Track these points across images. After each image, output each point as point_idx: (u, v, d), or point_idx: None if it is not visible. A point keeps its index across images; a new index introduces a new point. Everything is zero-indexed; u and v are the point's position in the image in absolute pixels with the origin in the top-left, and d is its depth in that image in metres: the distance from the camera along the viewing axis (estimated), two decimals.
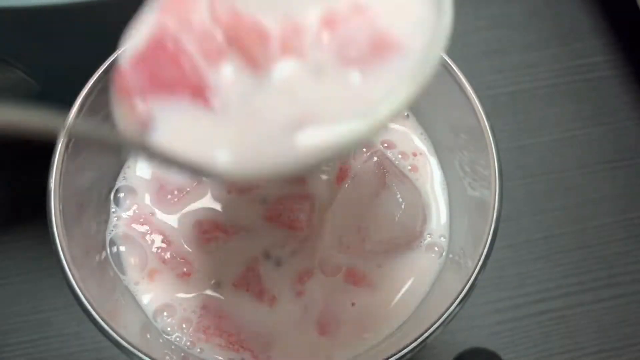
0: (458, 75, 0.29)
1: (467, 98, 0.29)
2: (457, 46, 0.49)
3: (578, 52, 0.51)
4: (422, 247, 0.30)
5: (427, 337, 0.25)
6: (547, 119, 0.48)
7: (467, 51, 0.50)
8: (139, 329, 0.28)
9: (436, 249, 0.30)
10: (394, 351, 0.25)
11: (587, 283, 0.43)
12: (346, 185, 0.30)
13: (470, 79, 0.29)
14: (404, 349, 0.25)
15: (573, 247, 0.44)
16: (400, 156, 0.32)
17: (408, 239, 0.30)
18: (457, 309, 0.25)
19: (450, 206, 0.31)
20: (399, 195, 0.29)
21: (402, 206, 0.29)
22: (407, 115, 0.32)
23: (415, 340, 0.25)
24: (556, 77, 0.50)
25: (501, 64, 0.50)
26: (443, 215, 0.31)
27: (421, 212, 0.30)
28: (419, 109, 0.32)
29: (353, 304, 0.29)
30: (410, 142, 0.32)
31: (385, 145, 0.32)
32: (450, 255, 0.29)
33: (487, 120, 0.28)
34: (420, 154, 0.32)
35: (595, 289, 0.43)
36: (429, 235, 0.30)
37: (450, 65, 0.29)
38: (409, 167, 0.31)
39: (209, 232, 0.29)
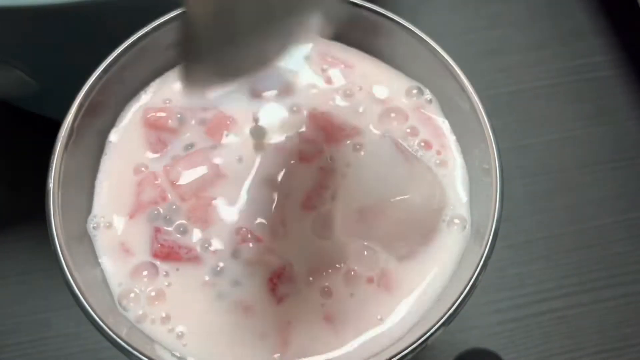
0: (459, 75, 0.29)
1: (468, 97, 0.29)
2: (458, 45, 0.50)
3: (578, 52, 0.51)
4: (444, 226, 0.29)
5: (428, 338, 0.25)
6: (547, 119, 0.48)
7: (468, 51, 0.50)
8: (138, 329, 0.28)
9: (457, 220, 0.29)
10: (395, 351, 0.25)
11: (587, 283, 0.43)
12: (351, 171, 0.30)
13: (471, 79, 0.29)
14: (404, 349, 0.25)
15: (573, 247, 0.44)
16: (408, 130, 0.31)
17: (426, 221, 0.29)
18: (459, 309, 0.25)
19: (470, 189, 0.30)
20: (411, 174, 0.29)
21: (416, 185, 0.29)
22: (430, 100, 0.32)
23: (416, 341, 0.25)
24: (556, 77, 0.50)
25: (502, 63, 0.50)
26: (463, 196, 0.30)
27: (438, 191, 0.29)
28: (442, 94, 0.32)
29: (366, 301, 0.28)
30: (428, 121, 0.32)
31: (393, 115, 0.32)
32: (476, 225, 0.29)
33: (488, 120, 0.28)
34: (439, 135, 0.31)
35: (595, 289, 0.43)
36: (451, 208, 0.29)
37: (450, 65, 0.29)
38: (423, 144, 0.31)
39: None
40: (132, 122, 0.31)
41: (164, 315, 0.27)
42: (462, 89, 0.29)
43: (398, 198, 0.28)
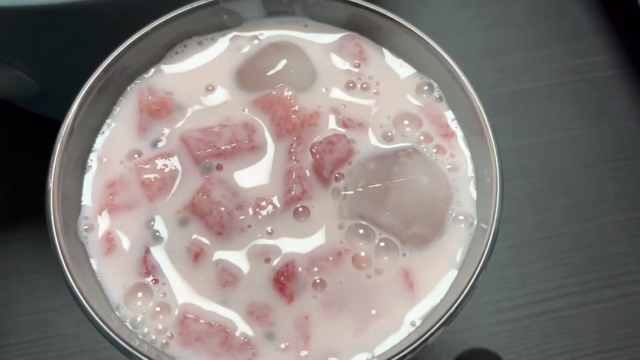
0: (459, 75, 0.29)
1: (468, 97, 0.29)
2: (458, 45, 0.50)
3: (578, 52, 0.51)
4: (451, 222, 0.29)
5: (428, 338, 0.25)
6: (547, 119, 0.48)
7: (468, 50, 0.50)
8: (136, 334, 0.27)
9: (466, 218, 0.29)
10: (395, 352, 0.25)
11: (587, 283, 0.43)
12: (355, 169, 0.29)
13: (471, 79, 0.29)
14: (404, 349, 0.25)
15: (574, 247, 0.44)
16: (422, 138, 0.31)
17: (432, 207, 0.29)
18: (459, 309, 0.25)
19: (477, 187, 0.30)
20: (417, 163, 0.29)
21: (421, 170, 0.29)
22: (440, 97, 0.31)
23: (416, 341, 0.25)
24: (556, 77, 0.50)
25: (502, 63, 0.50)
26: (473, 195, 0.30)
27: (443, 180, 0.29)
28: (449, 93, 0.32)
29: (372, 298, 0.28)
30: (438, 122, 0.31)
31: (406, 122, 0.31)
32: (481, 225, 0.28)
33: (488, 120, 0.28)
34: (448, 133, 0.31)
35: (596, 289, 0.43)
36: (457, 204, 0.29)
37: (450, 65, 0.29)
38: (435, 149, 0.30)
39: None
40: (126, 118, 0.31)
41: (166, 326, 0.27)
42: (462, 89, 0.29)
43: (403, 179, 0.28)
